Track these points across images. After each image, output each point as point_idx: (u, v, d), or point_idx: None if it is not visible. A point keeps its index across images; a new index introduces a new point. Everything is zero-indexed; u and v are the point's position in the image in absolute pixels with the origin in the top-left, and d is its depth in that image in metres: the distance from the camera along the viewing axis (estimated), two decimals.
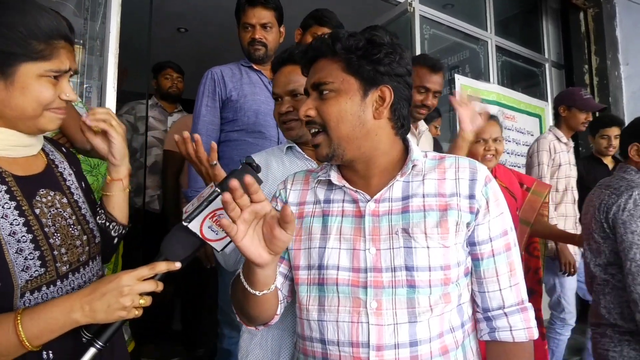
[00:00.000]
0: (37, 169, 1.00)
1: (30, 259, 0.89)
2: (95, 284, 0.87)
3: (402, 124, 1.04)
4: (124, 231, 1.17)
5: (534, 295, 2.13)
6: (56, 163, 1.06)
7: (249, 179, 0.80)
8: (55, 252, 0.94)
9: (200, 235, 0.90)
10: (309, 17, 2.34)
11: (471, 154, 1.92)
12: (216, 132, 2.13)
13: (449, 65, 3.88)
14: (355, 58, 0.98)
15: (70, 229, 1.00)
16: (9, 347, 0.80)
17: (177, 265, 0.91)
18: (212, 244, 0.91)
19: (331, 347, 0.98)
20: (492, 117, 2.09)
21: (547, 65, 4.51)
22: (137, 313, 0.88)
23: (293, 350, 1.20)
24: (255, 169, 0.91)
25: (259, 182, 0.90)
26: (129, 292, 0.85)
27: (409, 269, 0.95)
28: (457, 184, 1.00)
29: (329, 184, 1.08)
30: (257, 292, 0.93)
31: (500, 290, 1.02)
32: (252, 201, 0.82)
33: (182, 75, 3.52)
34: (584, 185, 3.37)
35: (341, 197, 1.05)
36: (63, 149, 1.13)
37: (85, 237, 1.03)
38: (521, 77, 4.42)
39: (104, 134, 1.06)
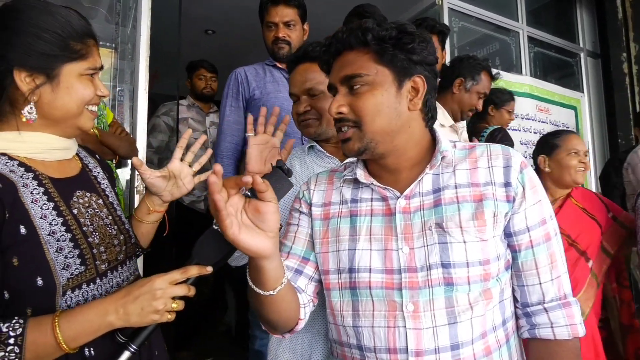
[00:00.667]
0: (72, 172, 1.02)
1: (70, 257, 0.90)
2: (129, 287, 0.88)
3: (431, 115, 1.01)
4: (141, 254, 1.19)
5: (632, 332, 1.95)
6: (90, 167, 1.09)
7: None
8: (95, 251, 0.96)
9: None
10: (352, 14, 2.29)
11: (564, 167, 1.94)
12: (241, 131, 2.14)
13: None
14: (390, 47, 0.94)
15: (108, 229, 1.01)
16: (47, 348, 0.82)
17: (209, 269, 0.90)
18: None
19: (368, 353, 0.94)
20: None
21: (582, 55, 4.35)
22: (170, 317, 0.88)
23: (326, 355, 1.17)
24: (286, 173, 0.90)
25: (290, 185, 0.91)
26: (162, 295, 0.86)
27: (445, 265, 0.90)
28: (490, 172, 0.96)
29: (355, 182, 1.04)
30: (266, 293, 0.87)
31: (540, 284, 0.96)
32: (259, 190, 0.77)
33: (216, 74, 3.49)
34: None
35: (369, 196, 1.01)
36: (96, 155, 1.17)
37: (122, 237, 1.05)
38: (555, 68, 4.28)
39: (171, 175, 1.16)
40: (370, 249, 0.96)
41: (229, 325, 3.53)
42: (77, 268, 0.91)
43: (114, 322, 0.85)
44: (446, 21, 3.36)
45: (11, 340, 0.79)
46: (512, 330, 0.98)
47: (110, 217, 1.04)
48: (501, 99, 2.92)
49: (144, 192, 1.88)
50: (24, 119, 0.92)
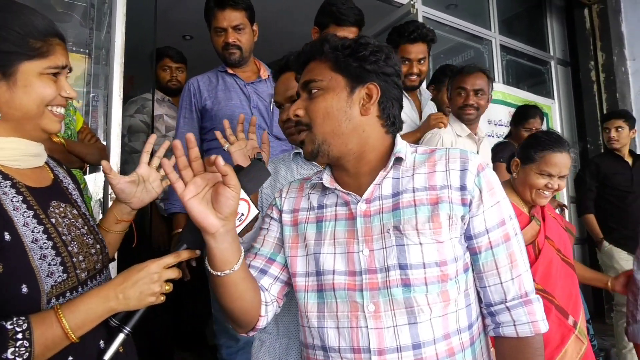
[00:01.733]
0: (46, 182, 1.02)
1: (53, 265, 0.91)
2: (125, 273, 0.92)
3: (392, 122, 1.04)
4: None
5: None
6: (61, 178, 1.08)
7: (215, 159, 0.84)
8: (75, 259, 0.96)
9: None
10: (325, 14, 2.20)
11: (528, 184, 1.79)
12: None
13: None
14: (342, 56, 1.01)
15: (85, 238, 1.02)
16: (55, 340, 0.84)
17: (197, 252, 0.98)
18: None
19: (333, 354, 0.97)
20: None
21: (552, 63, 4.49)
22: (162, 299, 0.94)
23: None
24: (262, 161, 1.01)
25: (268, 174, 1.01)
26: (158, 279, 0.92)
27: (402, 267, 0.93)
28: (447, 175, 0.98)
29: (322, 189, 1.08)
30: (214, 272, 0.91)
31: (501, 283, 0.98)
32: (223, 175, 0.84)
33: (183, 64, 3.11)
34: (610, 185, 3.37)
35: (334, 202, 1.05)
36: (64, 166, 1.16)
37: (98, 246, 1.06)
38: (527, 75, 4.40)
39: (141, 183, 1.16)
40: (334, 253, 0.99)
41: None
42: (60, 276, 0.91)
43: (115, 307, 0.89)
44: None
45: (19, 335, 0.80)
46: (477, 333, 1.00)
47: (85, 227, 1.04)
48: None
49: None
50: None
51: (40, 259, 0.89)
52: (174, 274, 0.95)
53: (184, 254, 0.96)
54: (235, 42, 2.10)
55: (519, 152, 1.88)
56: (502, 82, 4.02)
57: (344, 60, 1.01)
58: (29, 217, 0.91)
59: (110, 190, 1.88)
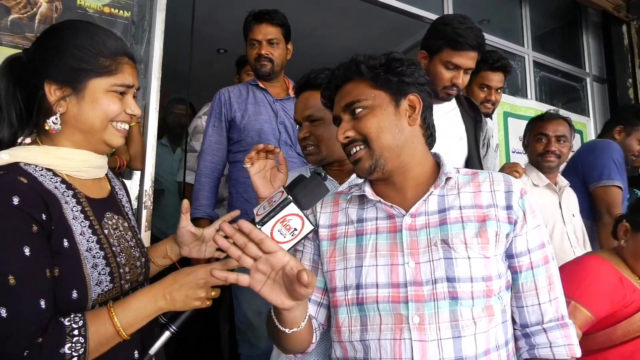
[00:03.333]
0: (104, 194, 1.07)
1: (103, 275, 0.95)
2: (174, 275, 0.96)
3: (430, 133, 1.09)
4: None
5: None
6: (116, 190, 1.14)
7: (245, 226, 0.81)
8: (121, 270, 1.00)
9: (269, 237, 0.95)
10: (438, 36, 1.76)
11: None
12: (222, 151, 2.18)
13: None
14: (382, 73, 1.04)
15: (132, 251, 1.06)
16: (107, 337, 0.88)
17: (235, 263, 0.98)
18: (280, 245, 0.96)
19: None
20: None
21: (588, 80, 4.39)
22: (209, 303, 0.97)
23: None
24: (323, 178, 0.98)
25: (326, 191, 1.00)
26: (204, 285, 0.95)
27: (450, 280, 0.94)
28: (493, 195, 1.01)
29: (360, 203, 1.09)
30: (286, 330, 0.92)
31: (539, 304, 1.00)
32: (263, 251, 0.81)
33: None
34: None
35: (374, 215, 1.05)
36: (121, 178, 1.21)
37: (143, 260, 1.11)
38: (561, 92, 4.31)
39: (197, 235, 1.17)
40: (377, 265, 0.99)
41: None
42: (107, 285, 0.96)
43: (163, 307, 0.93)
44: None
45: (75, 332, 0.84)
46: (512, 352, 1.00)
47: (134, 240, 1.09)
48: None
49: (151, 208, 1.94)
50: (47, 127, 0.96)
51: (92, 267, 0.93)
52: (221, 280, 0.95)
53: (232, 264, 0.97)
54: (267, 54, 2.17)
55: (628, 215, 1.57)
56: (535, 98, 3.95)
57: (384, 77, 1.04)
58: (85, 226, 0.96)
59: (144, 199, 1.95)
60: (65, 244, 0.90)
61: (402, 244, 0.99)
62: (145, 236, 1.92)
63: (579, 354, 0.99)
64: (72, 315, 0.86)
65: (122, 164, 1.79)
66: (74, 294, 0.90)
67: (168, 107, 3.30)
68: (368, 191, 1.06)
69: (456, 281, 0.94)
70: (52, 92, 0.95)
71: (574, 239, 2.19)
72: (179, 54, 2.71)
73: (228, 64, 5.22)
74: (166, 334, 0.97)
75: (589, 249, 2.26)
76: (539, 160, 2.20)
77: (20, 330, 0.80)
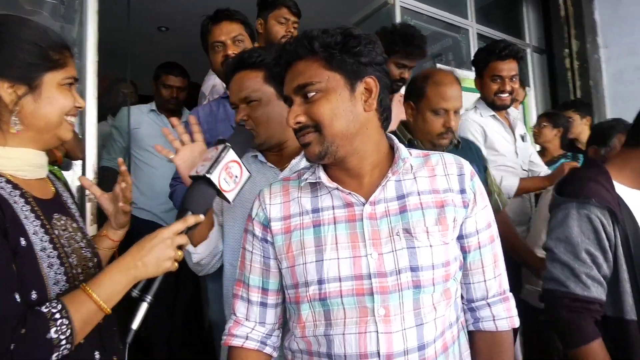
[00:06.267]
0: (49, 195, 1.05)
1: (59, 274, 0.95)
2: (140, 243, 0.97)
3: (386, 116, 1.04)
4: None
5: None
6: (60, 192, 1.11)
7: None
8: (74, 271, 0.99)
9: (218, 186, 1.04)
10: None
11: None
12: None
13: (431, 54, 3.89)
14: (338, 53, 0.96)
15: (83, 252, 1.05)
16: (90, 315, 0.90)
17: (201, 217, 1.03)
18: (226, 194, 1.07)
19: None
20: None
21: (528, 51, 4.54)
22: (176, 265, 0.99)
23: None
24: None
25: (252, 138, 1.23)
26: (171, 244, 0.97)
27: (413, 269, 0.94)
28: (448, 179, 1.01)
29: (314, 191, 1.04)
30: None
31: (485, 281, 1.04)
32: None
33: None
34: None
35: (330, 204, 1.01)
36: (63, 179, 1.20)
37: (95, 260, 1.09)
38: None
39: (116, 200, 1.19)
40: (338, 258, 0.96)
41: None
42: (64, 284, 0.95)
43: (137, 275, 0.95)
44: (399, 19, 3.43)
45: (57, 315, 0.85)
46: (461, 326, 1.04)
47: (84, 241, 1.08)
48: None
49: (95, 200, 1.85)
50: (12, 130, 0.93)
51: (48, 267, 0.93)
52: (184, 239, 1.00)
53: (190, 219, 1.01)
54: (235, 53, 1.90)
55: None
56: None
57: (340, 57, 0.96)
58: (37, 226, 0.94)
59: (87, 192, 1.86)
60: (23, 242, 0.89)
61: (363, 234, 0.96)
62: (92, 230, 1.83)
63: (517, 324, 1.05)
64: (47, 303, 0.86)
65: (59, 157, 1.70)
66: (33, 295, 0.88)
67: (112, 89, 3.15)
68: (324, 177, 1.01)
69: (419, 270, 0.94)
70: (5, 91, 0.91)
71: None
72: (116, 34, 2.56)
73: (170, 43, 5.03)
74: (144, 306, 0.97)
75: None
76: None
77: (1, 326, 0.79)
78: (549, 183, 2.20)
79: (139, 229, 1.21)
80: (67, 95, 0.98)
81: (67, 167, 1.87)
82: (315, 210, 1.02)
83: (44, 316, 0.83)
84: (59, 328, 0.84)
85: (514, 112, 2.71)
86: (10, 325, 0.79)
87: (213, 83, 2.68)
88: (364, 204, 0.98)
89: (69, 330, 0.85)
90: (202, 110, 1.96)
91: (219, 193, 1.07)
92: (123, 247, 1.16)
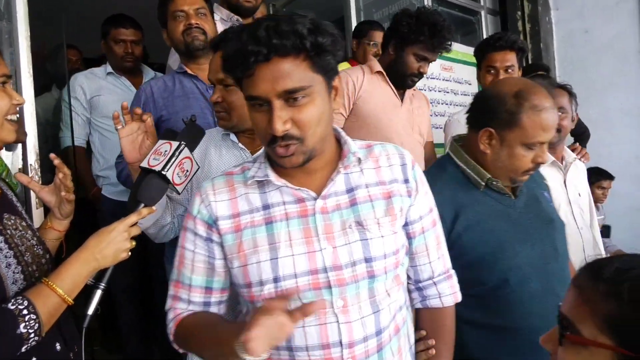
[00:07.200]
0: None
1: (16, 273, 0.98)
2: (97, 236, 1.03)
3: (335, 109, 1.03)
4: None
5: None
6: (4, 190, 1.09)
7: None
8: (30, 269, 1.02)
9: (171, 181, 1.13)
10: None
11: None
12: None
13: (384, 17, 3.81)
14: (326, 55, 0.89)
15: (35, 249, 1.08)
16: (55, 307, 0.95)
17: (154, 209, 1.13)
18: (177, 187, 1.16)
19: (299, 352, 0.96)
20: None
21: (483, 13, 4.54)
22: (129, 254, 1.07)
23: None
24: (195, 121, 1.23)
25: (203, 133, 1.25)
26: (127, 236, 1.05)
27: (367, 260, 0.96)
28: (391, 170, 1.04)
29: (261, 187, 1.01)
30: None
31: (430, 262, 1.10)
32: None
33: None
34: None
35: (280, 200, 0.99)
36: (2, 177, 1.18)
37: (48, 256, 1.12)
38: (459, 26, 4.42)
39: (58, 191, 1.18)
40: (293, 254, 0.95)
41: None
42: (22, 283, 0.98)
43: (96, 267, 1.02)
44: None
45: (24, 311, 0.90)
46: (408, 306, 1.11)
47: (35, 239, 1.09)
48: None
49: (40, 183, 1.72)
50: None
51: (6, 267, 0.95)
52: (137, 230, 1.09)
53: (144, 212, 1.09)
54: (198, 24, 1.85)
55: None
56: None
57: (326, 59, 0.89)
58: None
59: (30, 174, 1.72)
60: None
61: (316, 229, 0.96)
62: (38, 214, 1.71)
63: (460, 299, 1.15)
64: (13, 300, 0.90)
65: None
66: None
67: (53, 55, 2.86)
68: (272, 175, 0.98)
69: (373, 260, 0.97)
70: None
71: (580, 220, 2.09)
72: None
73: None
74: (98, 293, 1.04)
75: (596, 229, 2.25)
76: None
77: None
78: None
79: (114, 212, 1.26)
80: (1, 96, 0.95)
81: (11, 148, 1.71)
82: (266, 207, 0.99)
83: (12, 313, 0.87)
84: (27, 323, 0.89)
85: None
86: None
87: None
88: (315, 199, 0.98)
89: (36, 325, 0.90)
90: (155, 85, 1.86)
91: (170, 185, 1.16)
92: (90, 227, 1.21)
